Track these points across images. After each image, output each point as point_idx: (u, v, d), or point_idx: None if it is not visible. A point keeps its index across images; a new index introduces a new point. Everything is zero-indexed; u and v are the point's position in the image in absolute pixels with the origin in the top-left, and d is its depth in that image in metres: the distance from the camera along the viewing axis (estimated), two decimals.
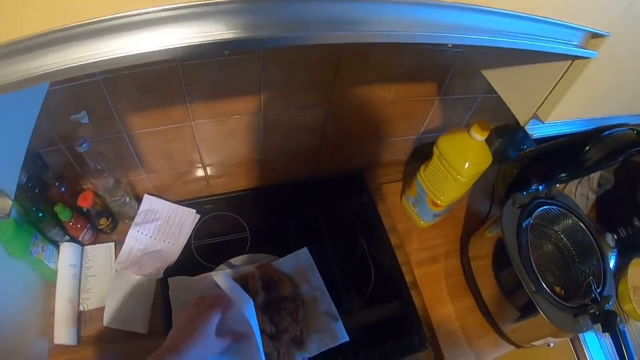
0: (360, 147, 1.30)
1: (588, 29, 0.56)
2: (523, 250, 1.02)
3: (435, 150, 1.10)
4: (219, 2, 0.36)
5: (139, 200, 1.14)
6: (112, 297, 1.00)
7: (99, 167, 0.96)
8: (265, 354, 0.95)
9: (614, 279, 1.27)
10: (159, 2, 0.34)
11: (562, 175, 1.11)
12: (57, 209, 0.96)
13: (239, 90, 0.98)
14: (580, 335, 1.19)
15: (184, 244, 1.11)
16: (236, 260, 1.09)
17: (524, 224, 1.06)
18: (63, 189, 0.99)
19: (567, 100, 0.67)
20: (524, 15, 0.49)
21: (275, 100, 1.03)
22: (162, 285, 1.04)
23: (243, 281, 1.02)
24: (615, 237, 1.27)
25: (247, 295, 0.86)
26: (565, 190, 1.30)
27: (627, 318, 1.24)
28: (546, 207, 1.11)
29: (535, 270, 1.00)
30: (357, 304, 1.12)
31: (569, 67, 0.63)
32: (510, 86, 0.77)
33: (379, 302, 1.13)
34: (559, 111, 0.69)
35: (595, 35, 0.57)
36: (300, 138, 1.17)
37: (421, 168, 1.16)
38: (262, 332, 0.96)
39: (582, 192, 1.30)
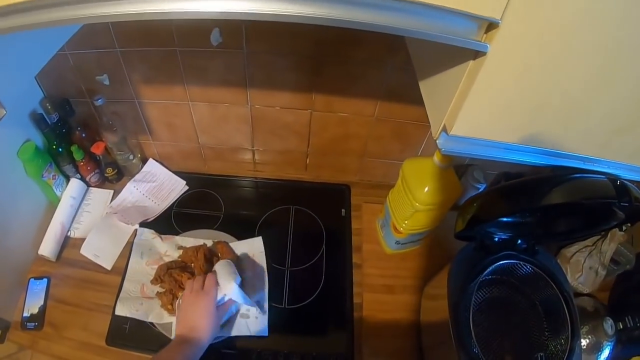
0: (350, 162, 1.32)
1: (470, 13, 0.49)
2: (466, 300, 0.92)
3: (400, 173, 1.06)
4: None
5: (145, 162, 1.33)
6: (94, 233, 1.18)
7: (110, 123, 1.17)
8: None
9: None
10: None
11: (540, 233, 0.98)
12: (73, 148, 1.18)
13: (227, 80, 1.11)
14: None
15: (166, 207, 1.26)
16: (199, 233, 1.20)
17: (479, 274, 0.96)
18: (83, 135, 1.22)
19: (470, 109, 0.60)
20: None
21: (260, 96, 1.14)
22: (135, 234, 1.19)
23: (196, 249, 1.12)
24: (621, 327, 1.05)
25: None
26: (572, 260, 1.12)
27: None
28: (514, 261, 0.98)
29: (473, 333, 0.90)
30: (294, 306, 1.12)
31: (468, 69, 0.57)
32: (431, 95, 0.74)
33: (317, 314, 1.12)
34: (464, 123, 0.63)
35: (491, 27, 0.52)
36: (287, 137, 1.25)
37: (391, 190, 1.13)
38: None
39: (591, 265, 1.10)
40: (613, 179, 0.76)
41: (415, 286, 1.14)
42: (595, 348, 1.06)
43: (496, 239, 1.00)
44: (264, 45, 1.01)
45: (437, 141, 0.69)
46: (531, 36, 0.51)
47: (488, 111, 0.62)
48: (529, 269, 0.99)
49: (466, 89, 0.59)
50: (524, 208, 0.90)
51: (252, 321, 1.06)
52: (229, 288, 0.99)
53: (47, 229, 1.17)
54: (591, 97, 0.60)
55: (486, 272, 0.96)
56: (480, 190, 1.21)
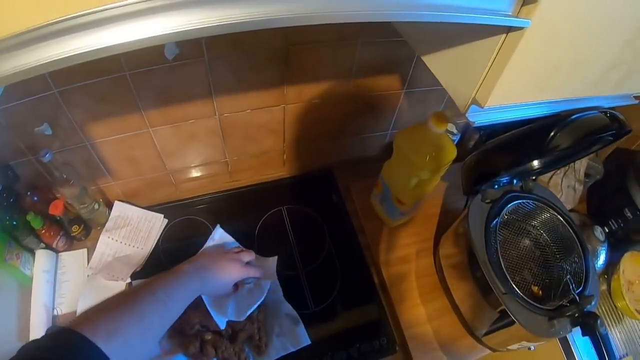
0: (327, 145, 1.29)
1: None
2: (491, 249, 0.97)
3: (395, 145, 1.06)
4: None
5: (110, 206, 1.18)
6: (83, 302, 1.04)
7: (65, 176, 1.01)
8: (224, 359, 0.97)
9: (605, 274, 1.20)
10: None
11: (536, 166, 1.05)
12: (29, 217, 1.01)
13: (189, 95, 1.00)
14: (569, 335, 1.12)
15: (152, 248, 1.15)
16: None
17: (493, 221, 1.01)
18: (35, 198, 1.05)
19: (506, 80, 0.61)
20: None
21: (229, 103, 1.05)
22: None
23: None
24: (607, 230, 1.19)
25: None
26: (550, 183, 1.23)
27: (621, 315, 1.15)
28: (519, 201, 1.05)
29: (504, 270, 0.94)
30: (322, 306, 1.10)
31: (503, 43, 0.58)
32: (448, 70, 0.73)
33: (346, 304, 1.11)
34: (498, 94, 0.63)
35: (528, 1, 0.52)
36: (261, 139, 1.19)
37: (385, 164, 1.13)
38: (218, 334, 0.98)
39: (568, 183, 1.22)
40: (603, 110, 0.84)
41: (427, 248, 1.19)
42: (593, 255, 1.18)
43: (496, 187, 1.06)
44: (228, 47, 0.93)
45: (466, 115, 0.70)
46: (570, 6, 0.54)
47: (524, 78, 0.64)
48: (531, 204, 1.06)
49: (501, 63, 0.60)
50: (531, 157, 0.96)
51: (289, 337, 1.02)
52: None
53: (30, 316, 1.01)
54: (601, 48, 0.66)
55: (499, 217, 1.02)
56: (456, 141, 1.26)
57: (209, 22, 0.39)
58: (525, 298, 0.92)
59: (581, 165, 1.22)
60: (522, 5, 0.53)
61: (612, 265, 1.17)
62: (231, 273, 0.95)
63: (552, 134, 0.87)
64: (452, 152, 1.04)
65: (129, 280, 1.08)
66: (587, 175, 1.25)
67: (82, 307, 1.03)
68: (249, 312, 0.98)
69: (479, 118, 0.71)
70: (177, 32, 0.39)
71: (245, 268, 0.99)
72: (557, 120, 0.85)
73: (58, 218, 1.07)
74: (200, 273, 0.88)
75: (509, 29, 0.56)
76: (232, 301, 1.00)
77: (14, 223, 1.01)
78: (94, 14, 0.37)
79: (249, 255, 1.03)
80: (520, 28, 0.54)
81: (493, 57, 0.60)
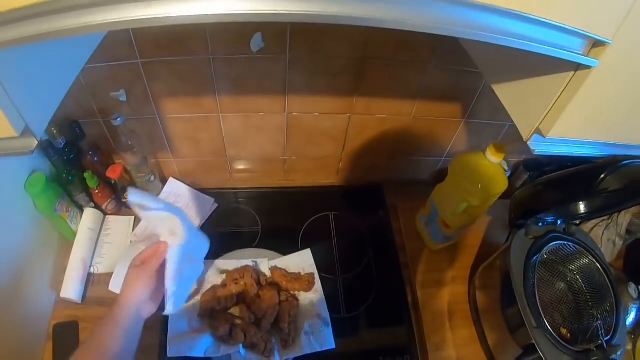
0: (383, 162, 1.32)
1: (587, 33, 0.54)
2: (528, 284, 0.98)
3: (450, 169, 1.09)
4: None
5: (164, 182, 1.22)
6: (122, 266, 1.06)
7: (130, 143, 1.05)
8: (252, 344, 0.98)
9: (632, 334, 1.19)
10: None
11: (582, 210, 1.07)
12: (86, 175, 1.05)
13: (264, 88, 1.04)
14: None
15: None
16: (241, 253, 1.13)
17: (533, 257, 1.02)
18: (95, 159, 1.08)
19: (569, 114, 0.65)
20: (524, 15, 0.49)
21: (299, 103, 1.09)
22: None
23: (240, 272, 1.07)
24: None
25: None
26: (591, 234, 1.24)
27: None
28: (561, 242, 1.06)
29: (539, 307, 0.95)
30: (353, 314, 1.11)
31: (571, 79, 0.62)
32: (516, 99, 0.76)
33: (376, 317, 1.12)
34: (561, 127, 0.67)
35: (597, 44, 0.56)
36: (322, 143, 1.22)
37: (437, 187, 1.16)
38: (243, 320, 1.01)
39: (609, 237, 1.23)
40: None
41: (463, 276, 1.20)
42: (624, 311, 1.18)
43: (540, 225, 1.08)
44: (309, 49, 0.97)
45: (528, 143, 0.74)
46: (634, 49, 0.58)
47: (585, 115, 0.68)
48: (572, 247, 1.07)
49: (567, 98, 0.64)
50: (579, 196, 0.98)
51: (316, 337, 1.03)
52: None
53: (66, 268, 1.03)
54: None
55: (539, 254, 1.03)
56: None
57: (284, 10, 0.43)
58: (555, 336, 0.93)
59: (624, 220, 1.23)
60: (592, 47, 0.57)
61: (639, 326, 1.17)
62: (135, 278, 0.80)
63: (602, 175, 0.90)
64: (504, 184, 1.06)
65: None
66: (628, 232, 1.26)
67: (120, 271, 1.05)
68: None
69: (539, 148, 0.74)
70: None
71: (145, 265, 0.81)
72: (610, 163, 0.88)
73: (113, 182, 1.10)
74: (115, 305, 0.77)
75: (577, 67, 0.60)
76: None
77: (70, 178, 1.04)
78: None
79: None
80: (588, 67, 0.58)
81: (560, 92, 0.64)
